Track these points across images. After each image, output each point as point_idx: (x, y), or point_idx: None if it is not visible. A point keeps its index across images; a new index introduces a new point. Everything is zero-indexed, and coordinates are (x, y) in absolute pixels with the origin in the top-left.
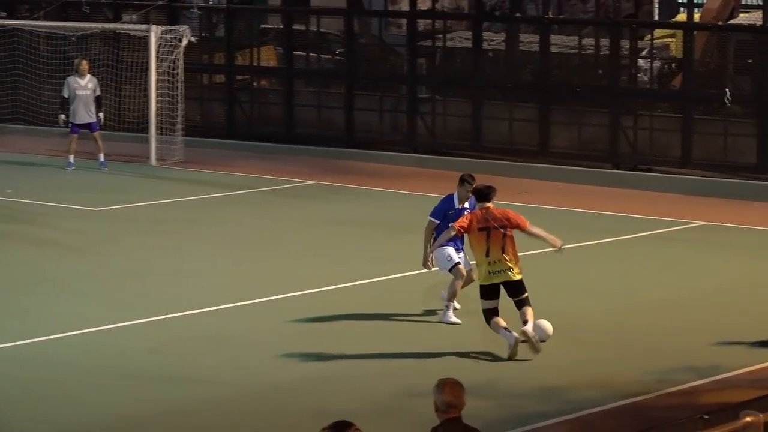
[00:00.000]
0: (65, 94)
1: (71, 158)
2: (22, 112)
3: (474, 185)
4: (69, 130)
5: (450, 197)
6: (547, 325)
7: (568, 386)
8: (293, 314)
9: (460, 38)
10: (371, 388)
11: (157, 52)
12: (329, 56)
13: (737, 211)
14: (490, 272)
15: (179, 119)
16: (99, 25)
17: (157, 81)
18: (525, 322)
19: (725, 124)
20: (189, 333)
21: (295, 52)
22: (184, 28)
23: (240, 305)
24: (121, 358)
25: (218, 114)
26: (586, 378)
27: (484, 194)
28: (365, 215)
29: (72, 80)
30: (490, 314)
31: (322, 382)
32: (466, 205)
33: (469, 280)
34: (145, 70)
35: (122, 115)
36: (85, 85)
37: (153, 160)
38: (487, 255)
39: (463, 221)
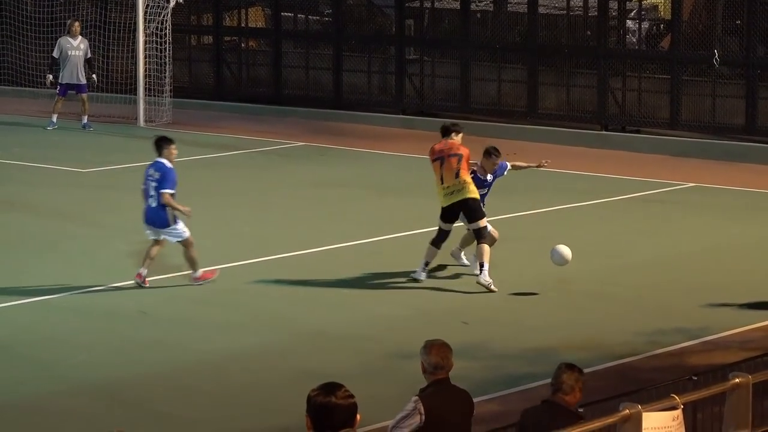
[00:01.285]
0: (56, 54)
1: (54, 117)
2: (9, 74)
3: (500, 157)
4: (57, 90)
5: (473, 173)
6: (565, 252)
7: (556, 348)
8: (281, 276)
9: None
10: (359, 349)
11: (145, 13)
12: (317, 17)
13: (726, 172)
14: (446, 195)
15: (167, 80)
16: None
17: (145, 42)
18: (481, 266)
19: (714, 85)
20: (177, 294)
21: (283, 14)
22: None
23: (228, 266)
24: (110, 319)
25: (206, 75)
26: (575, 340)
27: (446, 129)
28: (353, 177)
29: (64, 41)
30: (443, 236)
31: (309, 343)
32: (489, 178)
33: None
34: (133, 31)
35: (110, 76)
36: (77, 46)
37: (141, 122)
38: (442, 182)
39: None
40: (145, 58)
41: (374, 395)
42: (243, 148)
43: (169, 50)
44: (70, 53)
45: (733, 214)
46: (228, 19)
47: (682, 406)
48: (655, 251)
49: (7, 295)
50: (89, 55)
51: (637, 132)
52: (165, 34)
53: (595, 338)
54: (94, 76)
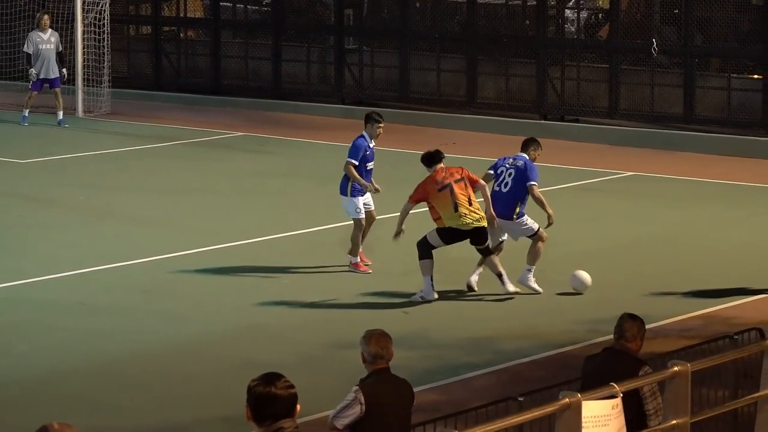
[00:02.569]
0: (27, 49)
1: (26, 112)
2: None
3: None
4: (29, 85)
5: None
6: (585, 277)
7: (496, 337)
8: (220, 266)
9: None
10: (299, 340)
11: (83, 2)
12: (256, 7)
13: (664, 161)
14: (463, 222)
15: (106, 71)
16: None
17: (83, 32)
18: (500, 275)
19: (652, 74)
20: (117, 285)
21: (221, 3)
22: None
23: (167, 257)
24: (49, 310)
25: (145, 65)
26: (515, 329)
27: (433, 158)
28: (292, 166)
29: (34, 35)
30: (431, 249)
31: (249, 333)
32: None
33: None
34: (71, 21)
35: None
36: (47, 40)
37: (80, 112)
38: (456, 209)
39: (416, 194)
40: (84, 48)
41: (314, 385)
42: (182, 139)
43: (107, 40)
44: (41, 47)
45: (672, 203)
46: (167, 9)
47: (621, 395)
48: (595, 240)
49: None
50: (60, 49)
51: (576, 121)
52: (103, 24)
53: (535, 327)
54: (64, 70)
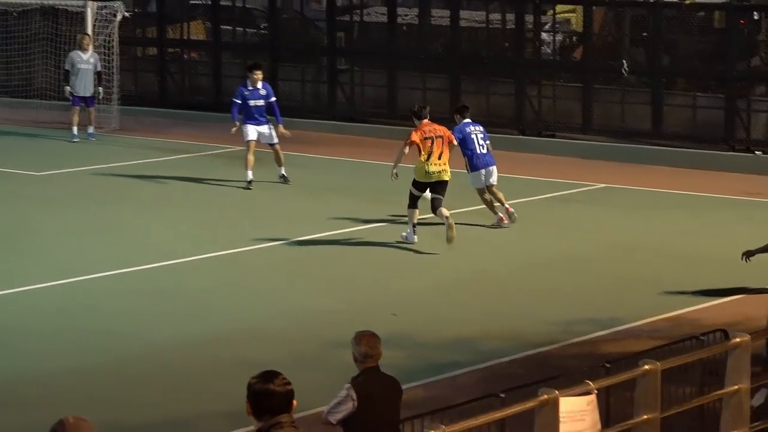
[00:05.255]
0: (67, 67)
1: (75, 130)
2: None
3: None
4: (70, 102)
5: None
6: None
7: (478, 338)
8: (219, 271)
9: (376, 13)
10: (294, 340)
11: (94, 26)
12: (254, 30)
13: (634, 173)
14: (428, 172)
15: (115, 89)
16: (38, 1)
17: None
18: (447, 218)
19: (622, 92)
20: (122, 288)
21: (222, 27)
22: (118, 4)
23: (171, 263)
24: (60, 313)
25: (151, 84)
26: (495, 330)
27: (419, 112)
28: (289, 179)
29: (75, 54)
30: (416, 199)
31: (246, 334)
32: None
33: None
34: None
35: (61, 84)
36: (87, 60)
37: (92, 128)
38: (428, 158)
39: (409, 138)
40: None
41: (309, 383)
42: (187, 152)
43: (116, 61)
44: (80, 67)
45: (641, 212)
46: (171, 32)
47: (596, 392)
48: (569, 247)
49: None
50: (99, 69)
51: (552, 136)
52: (112, 46)
53: (514, 328)
54: (100, 88)
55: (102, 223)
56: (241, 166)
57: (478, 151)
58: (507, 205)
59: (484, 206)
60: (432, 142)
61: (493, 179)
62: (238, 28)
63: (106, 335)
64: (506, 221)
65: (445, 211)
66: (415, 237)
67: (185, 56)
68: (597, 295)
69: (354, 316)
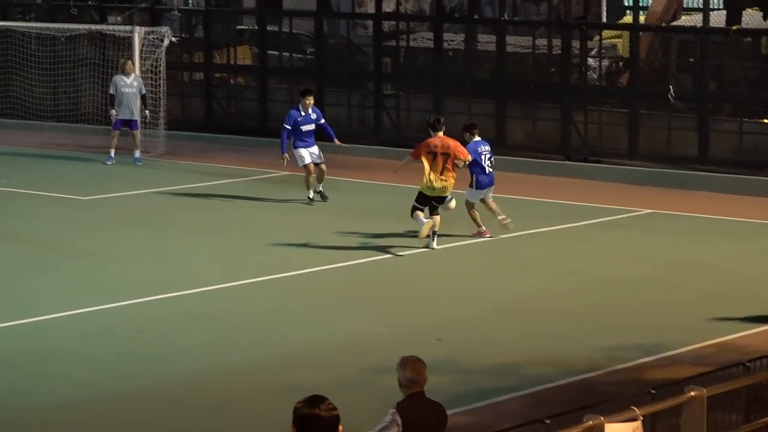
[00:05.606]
0: (112, 91)
1: (112, 153)
2: (14, 108)
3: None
4: (112, 125)
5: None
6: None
7: (522, 363)
8: (265, 296)
9: (423, 38)
10: (339, 365)
11: (141, 51)
12: (300, 55)
13: (680, 199)
14: (429, 187)
15: (162, 114)
16: (86, 26)
17: (141, 78)
18: (435, 234)
19: (669, 118)
20: (169, 313)
21: (268, 52)
22: (165, 29)
23: (216, 288)
24: (107, 337)
25: (198, 109)
26: (540, 355)
27: (437, 126)
28: (333, 203)
29: (118, 79)
30: (421, 208)
31: (291, 359)
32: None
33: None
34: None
35: (107, 109)
36: (130, 84)
37: (138, 152)
38: (430, 173)
39: (415, 151)
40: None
41: (354, 408)
42: (233, 177)
43: (163, 86)
44: (123, 90)
45: (687, 238)
46: (218, 56)
47: (641, 418)
48: (614, 272)
49: (7, 315)
50: (143, 92)
51: (598, 162)
52: (159, 70)
53: (558, 354)
54: (147, 111)
55: (148, 248)
56: (286, 189)
57: (486, 171)
58: (500, 216)
59: (534, 230)
60: (435, 157)
61: (489, 196)
62: (284, 53)
63: (153, 360)
64: (488, 234)
65: (436, 219)
66: (425, 220)
67: (232, 81)
68: (643, 321)
69: (398, 341)
